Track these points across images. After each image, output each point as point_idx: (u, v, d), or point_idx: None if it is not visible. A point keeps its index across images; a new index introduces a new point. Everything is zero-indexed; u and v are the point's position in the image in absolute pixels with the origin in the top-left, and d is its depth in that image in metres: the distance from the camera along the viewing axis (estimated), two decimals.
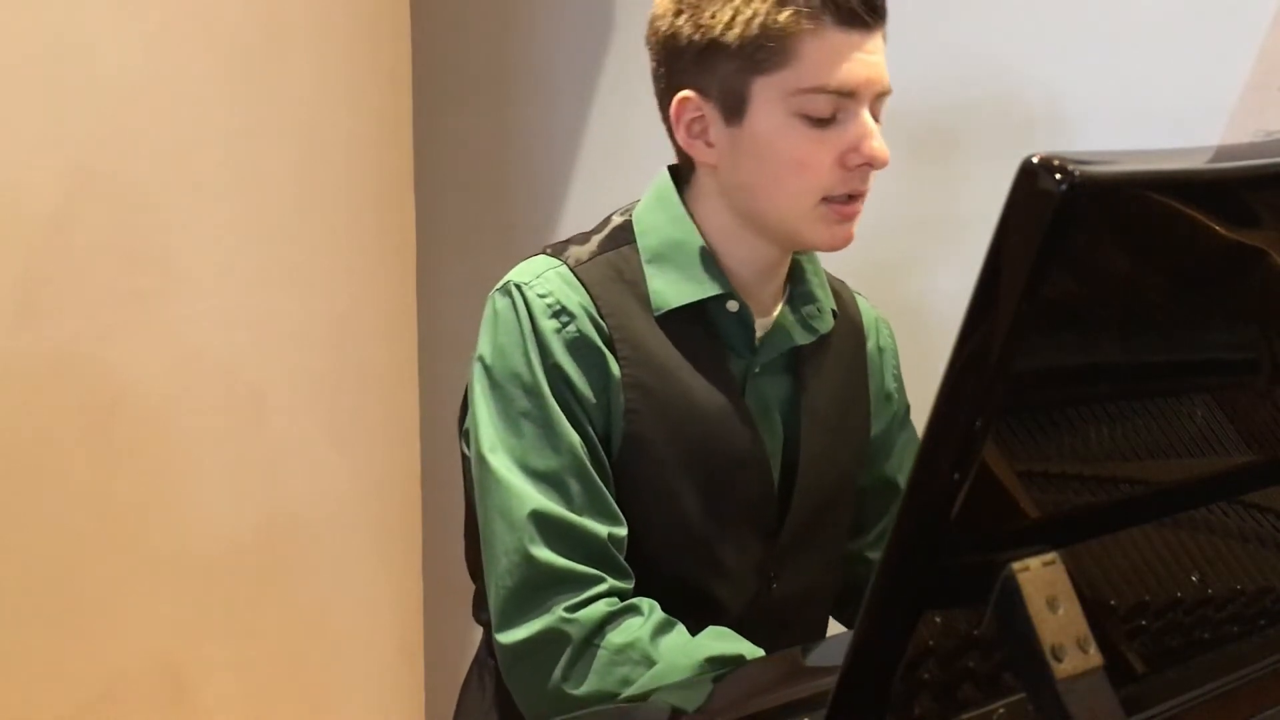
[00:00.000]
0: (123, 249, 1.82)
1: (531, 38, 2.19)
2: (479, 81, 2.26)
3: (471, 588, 1.36)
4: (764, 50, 1.18)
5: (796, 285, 1.32)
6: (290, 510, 2.07)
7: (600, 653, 1.16)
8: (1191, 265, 0.71)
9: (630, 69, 2.08)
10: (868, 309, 1.43)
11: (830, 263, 1.37)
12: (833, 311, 1.34)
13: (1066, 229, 0.58)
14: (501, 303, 1.24)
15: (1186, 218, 0.67)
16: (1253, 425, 0.80)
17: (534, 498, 1.18)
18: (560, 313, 1.22)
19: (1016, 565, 0.63)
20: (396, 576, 2.26)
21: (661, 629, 1.17)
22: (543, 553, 1.18)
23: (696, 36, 1.21)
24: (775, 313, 1.31)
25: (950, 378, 0.60)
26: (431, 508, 2.33)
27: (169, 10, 1.85)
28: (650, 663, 1.14)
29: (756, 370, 1.28)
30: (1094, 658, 0.63)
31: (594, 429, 1.22)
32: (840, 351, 1.35)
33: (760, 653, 1.18)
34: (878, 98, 1.21)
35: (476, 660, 1.39)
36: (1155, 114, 1.61)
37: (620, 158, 2.11)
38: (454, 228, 2.30)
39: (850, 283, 1.43)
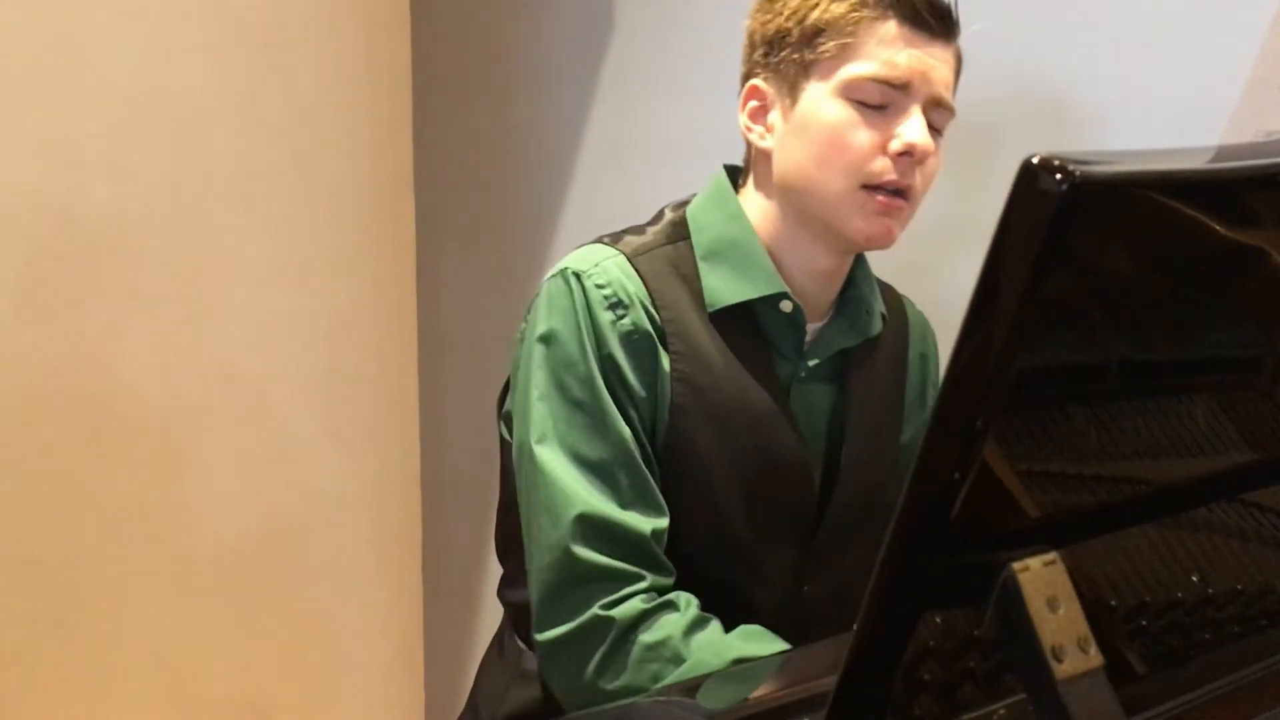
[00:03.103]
0: (123, 249, 1.82)
1: (531, 38, 2.19)
2: (479, 81, 2.25)
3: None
4: (823, 36, 1.21)
5: (848, 289, 1.32)
6: (290, 509, 2.06)
7: (634, 649, 1.16)
8: (1191, 265, 0.71)
9: (630, 69, 2.07)
10: (916, 315, 1.42)
11: None
12: (882, 315, 1.34)
13: (1066, 229, 0.58)
14: (557, 289, 1.24)
15: (1186, 218, 0.67)
16: (1253, 425, 0.80)
17: (581, 498, 1.19)
18: (617, 304, 1.22)
19: (1016, 565, 0.63)
20: (396, 576, 2.26)
21: (695, 626, 1.17)
22: (585, 552, 1.18)
23: (769, 29, 1.25)
24: (826, 319, 1.31)
25: (950, 377, 0.60)
26: (431, 508, 2.32)
27: (169, 10, 1.85)
28: (680, 660, 1.15)
29: (803, 375, 1.28)
30: (1094, 658, 0.63)
31: (641, 422, 1.22)
32: (886, 357, 1.35)
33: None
34: (935, 106, 1.22)
35: (496, 638, 1.40)
36: (1155, 114, 1.61)
37: (620, 158, 2.11)
38: (454, 226, 2.29)
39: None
